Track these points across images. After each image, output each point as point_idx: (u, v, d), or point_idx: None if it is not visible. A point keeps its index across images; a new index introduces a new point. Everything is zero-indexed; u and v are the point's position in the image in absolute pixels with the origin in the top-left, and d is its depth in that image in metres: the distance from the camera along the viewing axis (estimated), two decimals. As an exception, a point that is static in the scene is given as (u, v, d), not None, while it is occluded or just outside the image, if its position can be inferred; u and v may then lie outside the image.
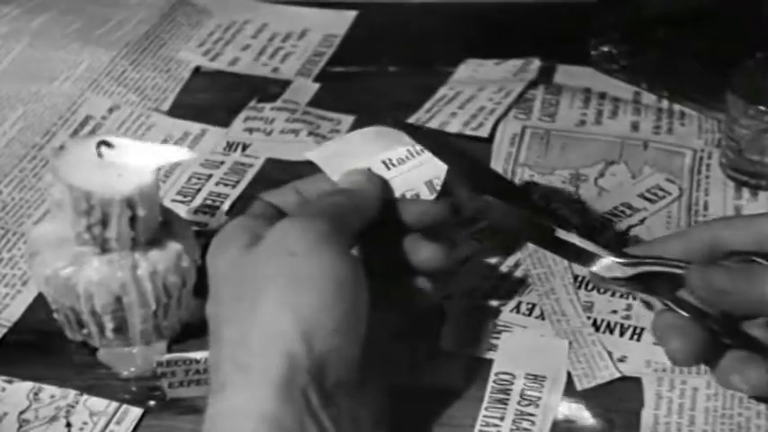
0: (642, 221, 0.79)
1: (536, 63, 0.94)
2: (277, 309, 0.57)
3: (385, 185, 0.66)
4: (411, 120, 0.88)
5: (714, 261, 0.65)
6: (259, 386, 0.55)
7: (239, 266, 0.59)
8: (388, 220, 0.66)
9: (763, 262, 0.63)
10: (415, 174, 0.67)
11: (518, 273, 0.75)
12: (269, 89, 0.94)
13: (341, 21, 1.02)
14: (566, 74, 0.94)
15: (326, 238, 0.59)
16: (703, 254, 0.66)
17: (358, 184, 0.65)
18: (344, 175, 0.66)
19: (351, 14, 1.03)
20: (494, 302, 0.73)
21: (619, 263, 0.67)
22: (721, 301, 0.63)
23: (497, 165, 0.84)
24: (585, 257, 0.68)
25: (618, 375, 0.68)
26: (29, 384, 0.69)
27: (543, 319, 0.72)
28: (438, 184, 0.67)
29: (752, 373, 0.63)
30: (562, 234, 0.68)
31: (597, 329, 0.71)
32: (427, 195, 0.67)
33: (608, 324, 0.71)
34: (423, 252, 0.66)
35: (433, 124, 0.87)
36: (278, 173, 0.84)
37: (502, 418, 0.66)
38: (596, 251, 0.68)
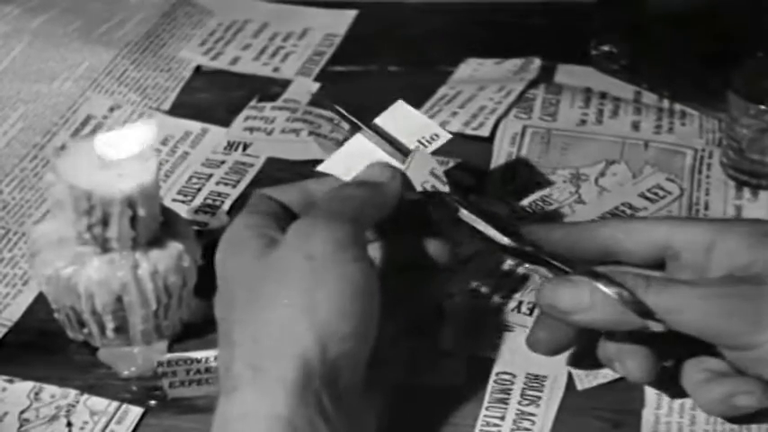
0: (643, 221, 0.79)
1: (536, 62, 0.94)
2: (293, 312, 0.56)
3: (405, 178, 0.65)
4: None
5: (603, 263, 0.65)
6: (273, 388, 0.55)
7: (255, 269, 0.58)
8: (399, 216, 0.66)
9: (603, 288, 0.61)
10: (421, 165, 0.66)
11: (519, 272, 0.75)
12: (269, 88, 0.94)
13: (341, 20, 1.02)
14: (566, 73, 0.94)
15: (346, 242, 0.58)
16: (596, 252, 0.66)
17: (378, 177, 0.65)
18: (366, 168, 0.65)
19: (351, 14, 1.03)
20: (495, 302, 0.73)
21: (511, 247, 0.67)
22: (566, 320, 0.63)
23: (498, 164, 0.84)
24: (487, 239, 0.67)
25: (619, 375, 0.68)
26: (29, 384, 0.69)
27: (544, 318, 0.72)
28: (439, 173, 0.66)
29: (631, 363, 0.63)
30: (464, 215, 0.67)
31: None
32: (440, 186, 0.66)
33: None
34: (428, 248, 0.66)
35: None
36: (278, 172, 0.84)
37: (502, 418, 0.66)
38: (491, 234, 0.67)
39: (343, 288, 0.57)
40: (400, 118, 0.70)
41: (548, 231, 0.68)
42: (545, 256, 0.65)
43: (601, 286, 0.61)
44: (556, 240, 0.67)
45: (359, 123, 0.69)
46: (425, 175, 0.66)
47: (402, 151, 0.67)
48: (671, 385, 0.66)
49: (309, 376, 0.55)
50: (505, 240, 0.66)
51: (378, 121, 0.70)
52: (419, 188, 0.66)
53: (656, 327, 0.60)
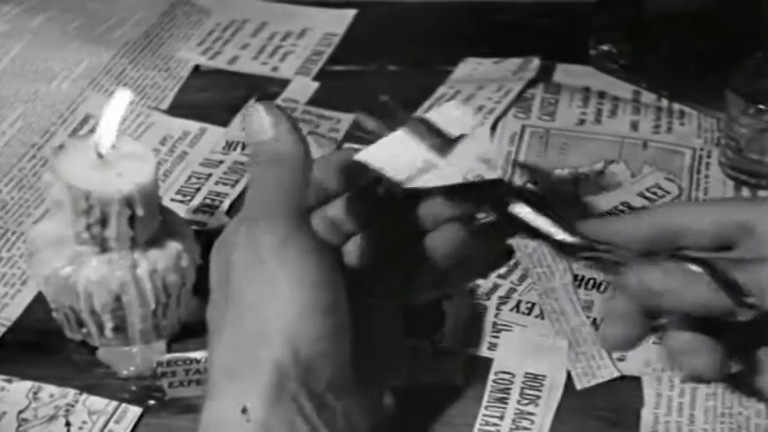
0: (642, 220, 0.79)
1: (535, 62, 0.94)
2: (260, 318, 0.56)
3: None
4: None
5: (664, 251, 0.63)
6: (247, 395, 0.55)
7: (225, 272, 0.59)
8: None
9: (693, 267, 0.60)
10: (468, 152, 0.63)
11: (518, 272, 0.75)
12: (268, 88, 0.94)
13: (340, 19, 1.02)
14: (565, 73, 0.94)
15: (288, 238, 0.56)
16: (657, 240, 0.62)
17: (283, 148, 0.59)
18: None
19: (350, 13, 1.03)
20: (493, 301, 0.73)
21: (570, 243, 0.65)
22: (655, 303, 0.60)
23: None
24: (540, 234, 0.65)
25: (617, 374, 0.68)
26: (28, 383, 0.69)
27: (543, 318, 0.72)
28: (491, 155, 0.62)
29: (701, 359, 0.59)
30: (516, 208, 0.65)
31: (597, 328, 0.71)
32: (490, 173, 0.62)
33: (607, 323, 0.71)
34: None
35: (433, 123, 0.87)
36: (277, 172, 0.84)
37: (501, 418, 0.66)
38: (547, 230, 0.65)
39: (303, 288, 0.56)
40: (450, 115, 0.66)
41: (604, 224, 0.66)
42: (605, 250, 0.64)
43: (693, 267, 0.60)
44: (612, 232, 0.64)
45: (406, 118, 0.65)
46: (470, 161, 0.61)
47: (447, 142, 0.63)
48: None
49: (283, 380, 0.55)
50: (562, 237, 0.64)
51: (428, 115, 0.66)
52: (460, 179, 0.60)
53: (745, 315, 0.58)
